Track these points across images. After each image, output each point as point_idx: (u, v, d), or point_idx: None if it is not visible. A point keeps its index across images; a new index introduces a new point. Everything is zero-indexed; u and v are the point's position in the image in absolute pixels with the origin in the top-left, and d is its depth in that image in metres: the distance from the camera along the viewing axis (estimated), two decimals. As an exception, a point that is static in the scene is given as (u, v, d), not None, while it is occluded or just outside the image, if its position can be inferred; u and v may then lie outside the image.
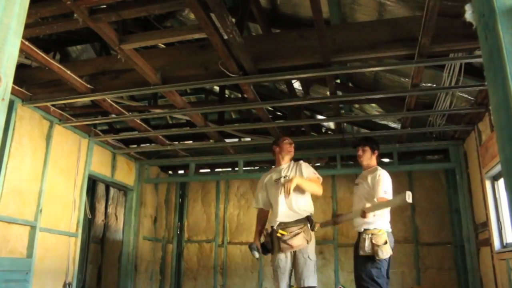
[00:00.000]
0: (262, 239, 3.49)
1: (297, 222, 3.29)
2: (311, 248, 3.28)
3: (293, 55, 3.52)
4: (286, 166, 3.51)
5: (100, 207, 7.10)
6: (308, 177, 3.39)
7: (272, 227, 3.37)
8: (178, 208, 7.28)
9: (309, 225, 3.28)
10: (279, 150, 3.56)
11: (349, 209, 6.65)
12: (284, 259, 3.28)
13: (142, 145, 6.20)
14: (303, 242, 3.21)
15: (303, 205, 3.36)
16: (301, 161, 3.55)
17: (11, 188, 4.09)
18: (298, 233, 3.22)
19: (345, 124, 5.69)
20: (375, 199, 3.22)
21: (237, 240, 6.84)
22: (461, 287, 5.62)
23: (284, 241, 3.23)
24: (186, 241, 7.11)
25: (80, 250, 5.25)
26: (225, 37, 3.16)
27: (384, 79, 4.65)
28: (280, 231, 3.27)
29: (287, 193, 3.16)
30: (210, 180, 7.20)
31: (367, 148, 3.49)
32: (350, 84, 5.00)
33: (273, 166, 3.79)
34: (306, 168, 3.45)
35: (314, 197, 3.50)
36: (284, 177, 3.39)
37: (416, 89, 3.93)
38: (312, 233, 3.31)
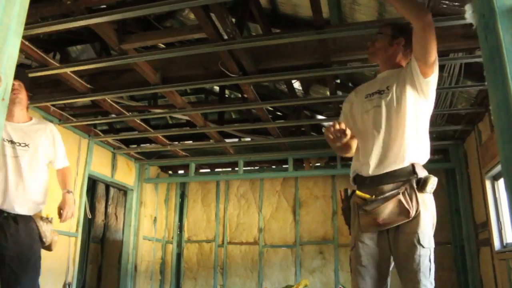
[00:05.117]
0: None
1: (393, 176, 1.88)
2: (425, 224, 1.81)
3: (293, 55, 3.52)
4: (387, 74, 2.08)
5: (100, 207, 7.10)
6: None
7: (355, 178, 2.03)
8: (178, 208, 7.29)
9: (414, 181, 1.84)
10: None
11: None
12: (372, 245, 1.94)
13: (142, 145, 6.19)
14: (400, 214, 1.81)
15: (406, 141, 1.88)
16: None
17: (11, 188, 4.08)
18: (391, 197, 1.83)
19: (345, 124, 5.66)
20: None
21: (237, 240, 6.83)
22: (461, 287, 5.62)
23: (366, 212, 1.89)
24: (186, 241, 7.11)
25: (80, 250, 5.25)
26: (225, 37, 3.16)
27: (384, 79, 4.64)
28: (358, 192, 1.93)
29: None
30: (210, 180, 7.20)
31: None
32: (350, 84, 5.00)
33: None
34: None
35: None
36: (380, 92, 2.00)
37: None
38: (426, 196, 1.85)
